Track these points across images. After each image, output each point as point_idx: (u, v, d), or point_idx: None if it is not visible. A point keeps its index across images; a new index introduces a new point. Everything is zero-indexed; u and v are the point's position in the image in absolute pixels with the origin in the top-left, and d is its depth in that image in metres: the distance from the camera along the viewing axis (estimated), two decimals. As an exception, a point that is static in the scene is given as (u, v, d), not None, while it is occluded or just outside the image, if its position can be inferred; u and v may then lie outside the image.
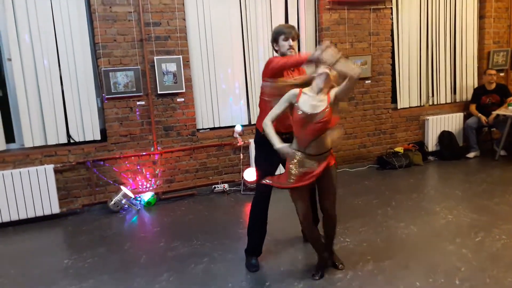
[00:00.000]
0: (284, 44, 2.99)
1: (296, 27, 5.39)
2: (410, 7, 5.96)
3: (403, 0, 5.89)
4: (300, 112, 2.55)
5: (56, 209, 4.36)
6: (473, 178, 5.11)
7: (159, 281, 2.99)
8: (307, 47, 5.51)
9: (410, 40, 6.04)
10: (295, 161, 2.63)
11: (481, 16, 6.46)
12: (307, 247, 3.36)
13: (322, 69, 2.54)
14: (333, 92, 2.61)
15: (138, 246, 3.69)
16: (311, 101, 2.56)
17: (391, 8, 5.78)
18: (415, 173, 5.52)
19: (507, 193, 4.48)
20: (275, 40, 3.03)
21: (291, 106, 2.63)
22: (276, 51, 3.08)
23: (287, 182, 2.67)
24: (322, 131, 2.58)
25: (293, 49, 3.00)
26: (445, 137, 6.15)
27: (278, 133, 2.73)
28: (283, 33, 2.98)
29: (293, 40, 2.98)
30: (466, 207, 4.15)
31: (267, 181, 2.76)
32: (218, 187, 5.06)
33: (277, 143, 2.62)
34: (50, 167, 4.32)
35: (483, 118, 5.99)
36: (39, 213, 4.31)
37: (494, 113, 5.87)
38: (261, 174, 3.02)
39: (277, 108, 2.65)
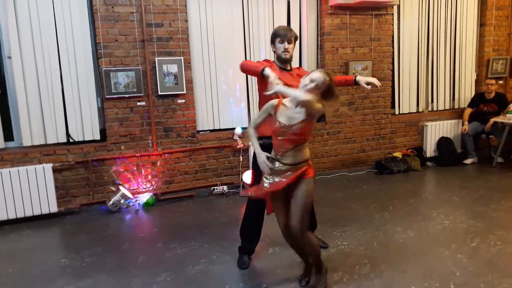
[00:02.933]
0: (279, 47, 3.00)
1: (298, 31, 5.42)
2: (411, 13, 6.00)
3: (405, 6, 5.94)
4: (277, 123, 2.57)
5: (54, 208, 4.36)
6: (470, 184, 5.13)
7: (157, 282, 3.00)
8: (309, 51, 5.53)
9: (411, 46, 6.07)
10: (269, 170, 2.60)
11: (481, 24, 6.50)
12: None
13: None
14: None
15: (136, 247, 3.69)
16: (288, 113, 2.56)
17: (393, 14, 5.82)
18: (413, 178, 5.54)
19: (503, 200, 4.50)
20: (272, 41, 3.06)
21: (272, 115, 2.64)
22: (274, 52, 3.10)
23: (261, 189, 2.65)
24: (298, 142, 2.57)
25: (288, 52, 3.01)
26: (444, 143, 6.18)
27: (267, 137, 2.77)
28: (279, 36, 2.99)
29: (289, 43, 2.98)
30: (463, 213, 4.17)
31: (248, 193, 2.74)
32: (217, 189, 5.07)
33: (257, 149, 2.63)
34: (48, 166, 4.32)
35: (465, 127, 6.06)
36: (37, 212, 4.31)
37: (492, 120, 5.90)
38: (255, 178, 3.02)
39: (258, 117, 2.70)
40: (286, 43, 2.98)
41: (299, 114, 2.51)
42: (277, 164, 2.60)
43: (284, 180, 2.57)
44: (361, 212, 4.28)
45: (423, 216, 4.12)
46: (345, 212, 4.22)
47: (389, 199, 4.68)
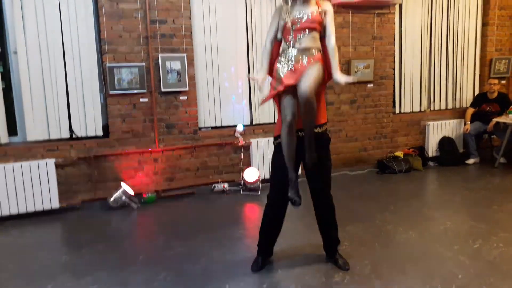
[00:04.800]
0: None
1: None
2: (414, 12, 5.97)
3: (407, 5, 5.91)
4: (292, 17, 2.75)
5: (56, 204, 4.37)
6: (472, 185, 5.13)
7: (157, 280, 3.00)
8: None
9: (413, 45, 6.06)
10: (282, 59, 2.79)
11: (484, 24, 6.48)
12: (305, 250, 3.39)
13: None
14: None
15: (136, 244, 3.70)
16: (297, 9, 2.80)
17: (395, 13, 5.79)
18: (414, 178, 5.54)
19: (506, 201, 4.50)
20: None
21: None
22: None
23: (275, 88, 2.77)
24: (312, 28, 2.74)
25: None
26: (445, 143, 6.17)
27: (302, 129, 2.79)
28: None
29: None
30: (465, 214, 4.18)
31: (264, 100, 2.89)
32: (217, 187, 5.07)
33: (262, 71, 2.86)
34: (51, 161, 4.33)
35: (467, 127, 6.06)
36: (39, 208, 4.32)
37: (494, 120, 5.89)
38: (272, 182, 3.02)
39: (270, 29, 2.88)
40: None
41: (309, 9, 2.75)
42: (289, 50, 2.76)
43: (295, 71, 2.72)
44: (363, 212, 4.29)
45: (424, 216, 4.12)
46: (347, 212, 4.22)
47: (391, 199, 4.68)
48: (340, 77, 2.79)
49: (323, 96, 2.94)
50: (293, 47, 2.76)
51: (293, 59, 2.75)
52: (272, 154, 3.07)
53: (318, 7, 2.80)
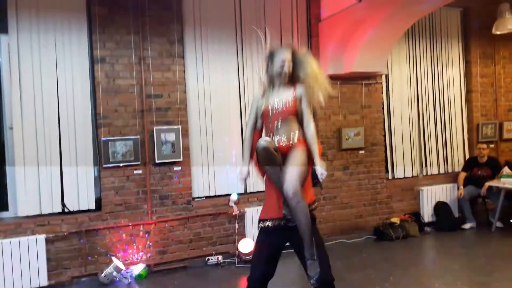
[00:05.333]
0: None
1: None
2: (400, 82, 6.25)
3: (393, 75, 6.20)
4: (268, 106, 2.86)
5: (44, 282, 4.22)
6: (471, 251, 5.05)
7: None
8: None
9: (402, 113, 6.26)
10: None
11: (468, 91, 6.76)
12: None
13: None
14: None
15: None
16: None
17: (382, 83, 6.06)
18: (412, 245, 5.45)
19: (505, 268, 4.41)
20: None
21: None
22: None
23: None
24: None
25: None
26: (440, 207, 6.17)
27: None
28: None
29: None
30: (465, 284, 4.07)
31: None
32: (212, 259, 4.94)
33: (245, 163, 2.92)
34: (41, 237, 4.24)
35: (461, 191, 6.09)
36: (26, 286, 4.16)
37: (487, 184, 5.94)
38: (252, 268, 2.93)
39: (249, 117, 2.98)
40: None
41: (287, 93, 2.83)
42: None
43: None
44: (362, 284, 4.16)
45: (425, 287, 4.01)
46: (345, 284, 4.08)
47: (389, 268, 4.57)
48: (319, 168, 2.79)
49: (309, 177, 2.90)
50: (273, 135, 2.81)
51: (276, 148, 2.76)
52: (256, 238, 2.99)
53: (294, 91, 2.83)
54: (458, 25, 6.72)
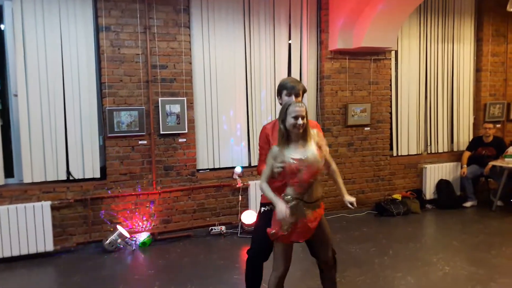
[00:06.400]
0: (286, 100, 2.81)
1: (299, 73, 5.55)
2: (409, 59, 6.15)
3: (403, 52, 6.10)
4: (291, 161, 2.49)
5: (50, 247, 4.31)
6: (470, 229, 5.09)
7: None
8: (309, 93, 5.63)
9: (409, 90, 6.20)
10: (287, 224, 2.51)
11: (477, 69, 6.66)
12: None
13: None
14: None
15: (131, 289, 3.62)
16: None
17: (391, 59, 5.97)
18: (412, 221, 5.50)
19: (504, 246, 4.46)
20: (279, 93, 2.91)
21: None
22: (280, 104, 2.90)
23: (287, 237, 2.55)
24: (317, 174, 2.54)
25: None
26: (443, 185, 6.18)
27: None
28: (286, 88, 2.82)
29: (296, 96, 2.80)
30: (463, 259, 4.12)
31: (273, 234, 2.58)
32: (215, 229, 5.02)
33: (275, 198, 2.49)
34: (47, 204, 4.31)
35: (464, 170, 6.09)
36: (33, 251, 4.26)
37: (490, 163, 5.93)
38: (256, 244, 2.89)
39: (266, 168, 2.56)
40: (293, 96, 2.78)
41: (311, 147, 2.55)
42: (297, 202, 2.50)
43: (303, 221, 2.52)
44: (361, 256, 4.23)
45: (423, 261, 4.07)
46: (345, 256, 4.16)
47: (389, 242, 4.63)
48: (348, 199, 2.70)
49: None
50: (301, 199, 2.52)
51: (304, 213, 2.53)
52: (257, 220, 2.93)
53: (314, 141, 2.57)
54: (471, 1, 6.55)
